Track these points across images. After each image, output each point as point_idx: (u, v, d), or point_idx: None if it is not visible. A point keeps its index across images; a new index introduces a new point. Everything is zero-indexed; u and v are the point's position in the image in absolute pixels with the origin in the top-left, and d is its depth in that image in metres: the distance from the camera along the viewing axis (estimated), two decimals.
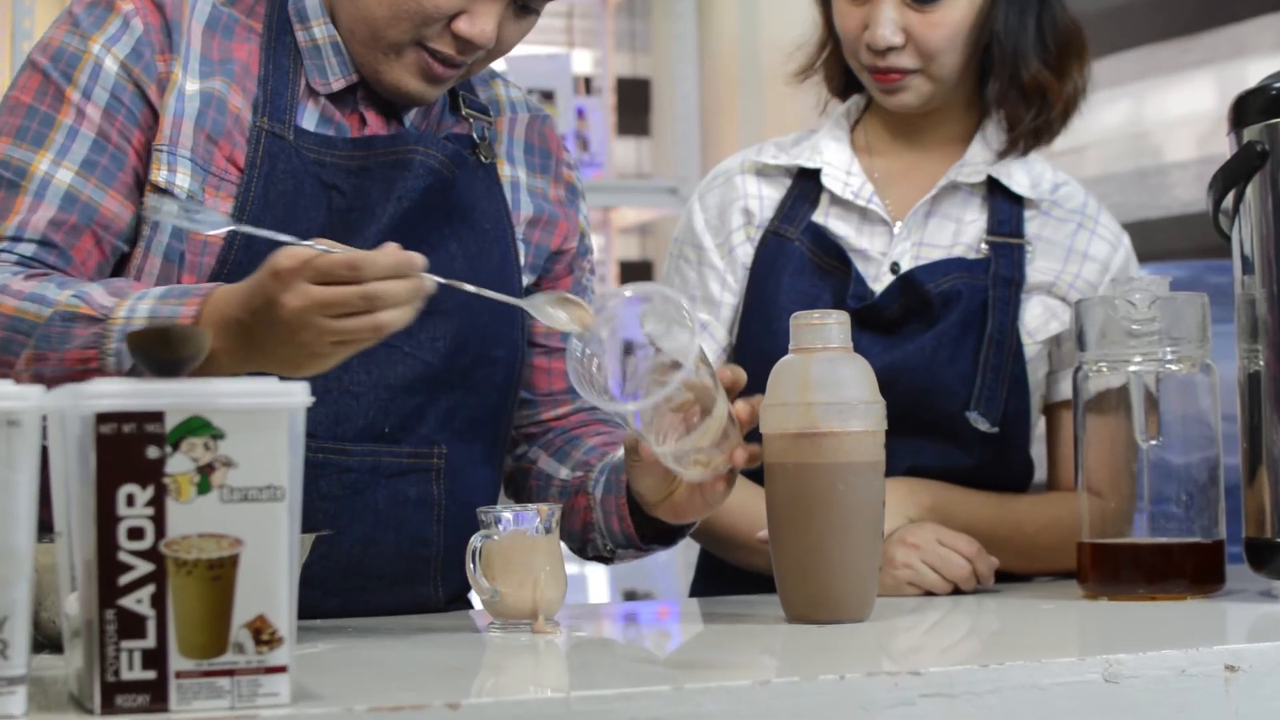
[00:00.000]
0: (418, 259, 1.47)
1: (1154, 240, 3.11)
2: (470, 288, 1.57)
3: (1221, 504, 1.85)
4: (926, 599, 1.88)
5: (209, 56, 1.79)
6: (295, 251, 1.47)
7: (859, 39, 2.10)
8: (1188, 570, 1.82)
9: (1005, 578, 2.01)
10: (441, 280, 1.51)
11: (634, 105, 4.66)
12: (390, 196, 1.80)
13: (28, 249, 1.71)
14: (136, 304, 1.59)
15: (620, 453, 1.81)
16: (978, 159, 2.16)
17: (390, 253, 1.46)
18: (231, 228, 1.54)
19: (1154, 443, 1.84)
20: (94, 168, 1.74)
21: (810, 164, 2.18)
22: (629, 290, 1.56)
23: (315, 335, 1.47)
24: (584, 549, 1.88)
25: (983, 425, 2.04)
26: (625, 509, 1.79)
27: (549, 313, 1.59)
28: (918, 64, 2.09)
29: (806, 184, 2.18)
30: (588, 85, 4.60)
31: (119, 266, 1.77)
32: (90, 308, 1.60)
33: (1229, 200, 1.85)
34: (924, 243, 2.14)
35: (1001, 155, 2.15)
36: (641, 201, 4.45)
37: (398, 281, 1.46)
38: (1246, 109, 1.84)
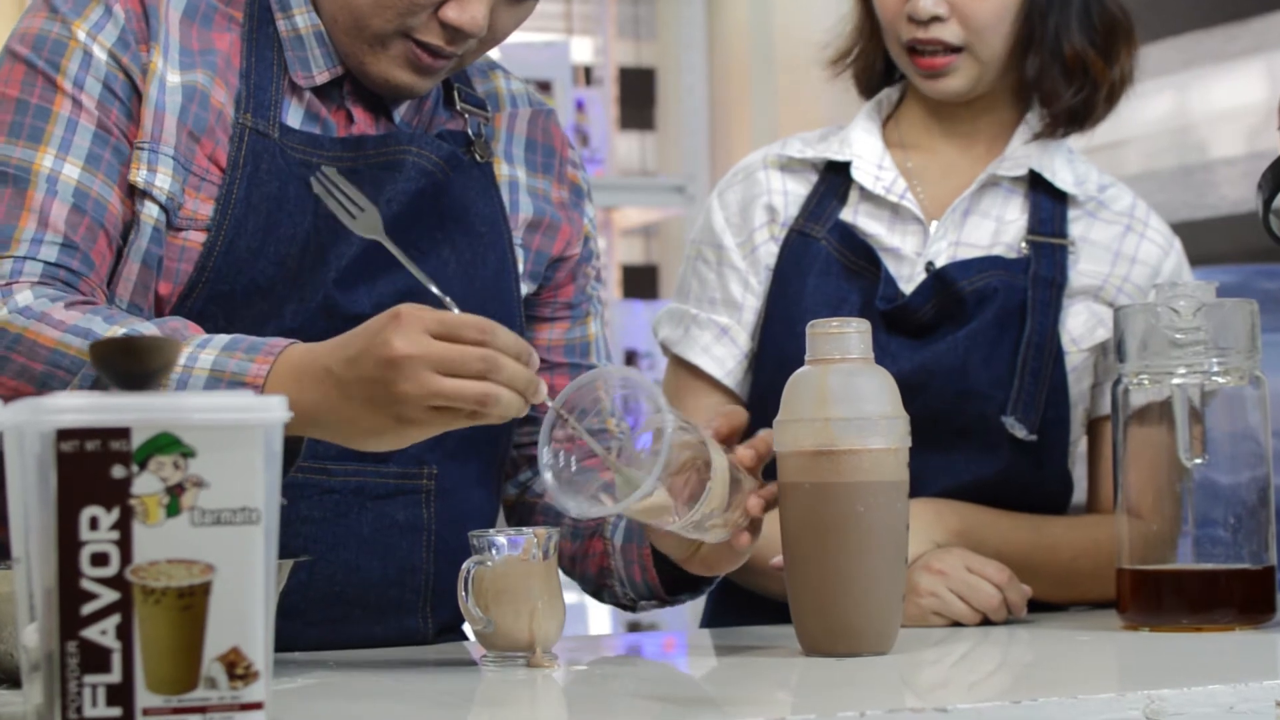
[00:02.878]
0: (534, 353, 1.49)
1: (1199, 243, 3.11)
2: (579, 432, 1.52)
3: (1272, 527, 1.84)
4: (953, 630, 1.88)
5: (189, 47, 1.79)
6: (419, 306, 1.48)
7: (899, 14, 2.11)
8: (1235, 599, 1.81)
9: (1039, 607, 2.01)
10: (549, 403, 1.51)
11: (638, 97, 4.66)
12: (380, 198, 1.80)
13: (50, 252, 1.69)
14: (198, 352, 1.56)
15: None
16: (1020, 153, 2.17)
17: (513, 334, 1.48)
18: (381, 240, 1.54)
19: (1199, 461, 1.84)
20: (99, 162, 1.73)
21: (839, 156, 2.18)
22: (576, 385, 1.54)
23: (417, 390, 1.46)
24: (599, 594, 1.89)
25: (1019, 431, 2.04)
26: (649, 559, 1.79)
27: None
28: (962, 39, 2.09)
29: (835, 179, 2.18)
30: (588, 75, 4.61)
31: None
32: None
33: None
34: (961, 242, 2.14)
35: (1039, 136, 2.15)
36: (646, 201, 4.45)
37: (520, 365, 1.47)
38: None
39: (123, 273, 1.74)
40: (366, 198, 1.64)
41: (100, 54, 1.75)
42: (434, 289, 1.56)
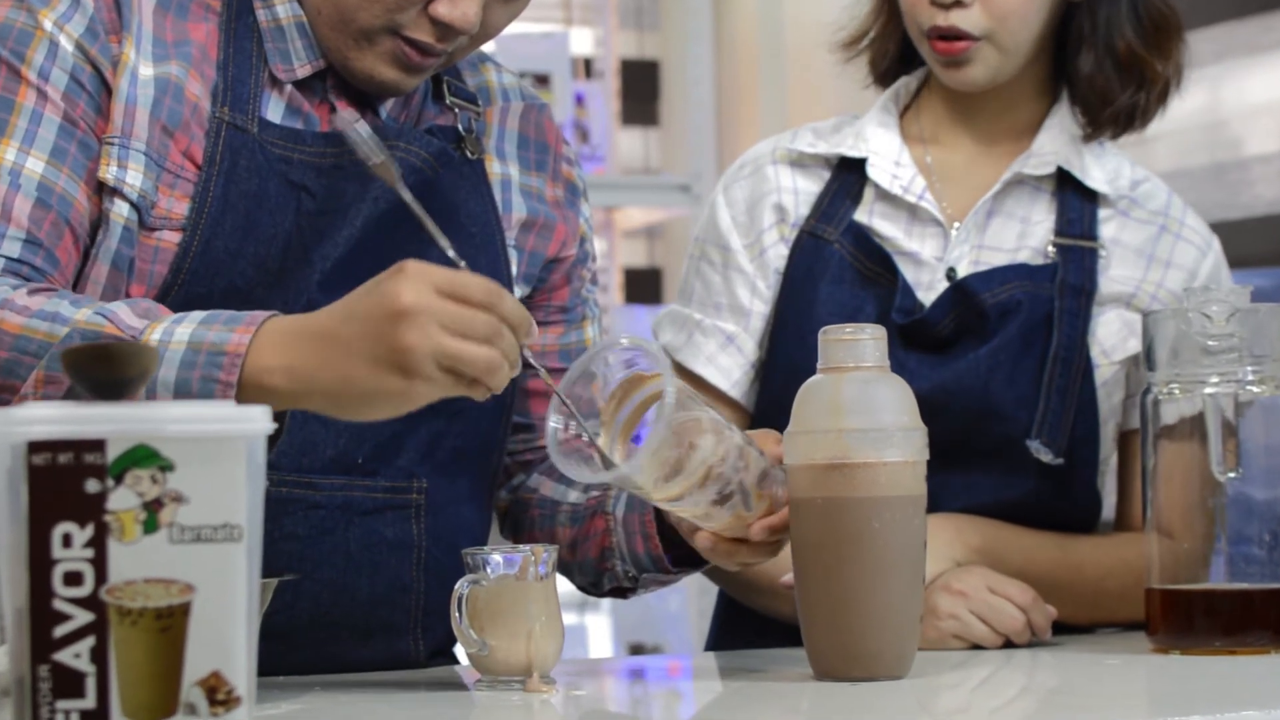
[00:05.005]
0: (535, 324, 1.52)
1: (1233, 244, 3.11)
2: (560, 399, 1.58)
3: None
4: (974, 653, 1.88)
5: (162, 38, 1.79)
6: (427, 263, 1.49)
7: None
8: (1271, 620, 1.81)
9: (1064, 629, 2.00)
10: (533, 364, 1.56)
11: (641, 91, 4.67)
12: (365, 198, 1.80)
13: (13, 248, 1.69)
14: (173, 327, 1.56)
15: None
16: (1047, 149, 2.15)
17: (517, 301, 1.50)
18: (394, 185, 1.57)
19: (1233, 475, 1.84)
20: (64, 156, 1.73)
21: (854, 153, 2.17)
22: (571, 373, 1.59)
23: (424, 343, 1.46)
24: (600, 581, 1.88)
25: (1045, 456, 2.03)
26: (652, 526, 1.79)
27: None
28: (986, 27, 2.07)
29: (849, 176, 2.17)
30: (588, 68, 4.61)
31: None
32: (116, 327, 1.57)
33: None
34: (984, 246, 2.13)
35: (1088, 139, 2.14)
36: (649, 200, 4.45)
37: (513, 339, 1.50)
38: None
39: (90, 274, 1.74)
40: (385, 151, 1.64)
41: (67, 45, 1.76)
42: (449, 250, 1.56)
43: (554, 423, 1.57)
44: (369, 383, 1.49)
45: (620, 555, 1.84)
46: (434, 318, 1.46)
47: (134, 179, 1.74)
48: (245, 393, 1.51)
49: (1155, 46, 2.13)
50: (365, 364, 1.49)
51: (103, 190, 1.74)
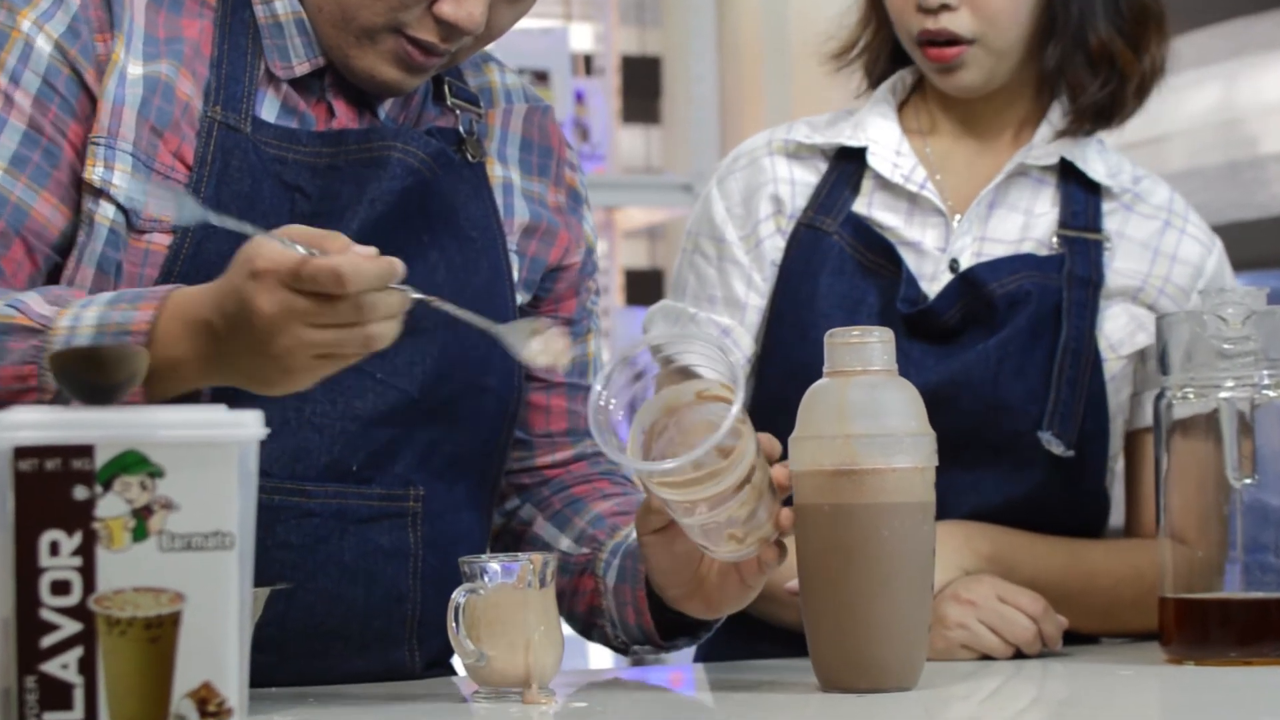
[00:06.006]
0: (399, 265, 1.51)
1: (1249, 245, 3.11)
2: (450, 307, 1.58)
3: None
4: (983, 664, 1.88)
5: (154, 35, 1.79)
6: (273, 252, 1.49)
7: (908, 2, 2.10)
8: None
9: (1075, 639, 2.01)
10: (417, 295, 1.54)
11: (642, 88, 4.67)
12: (362, 199, 1.80)
13: None
14: (82, 311, 1.60)
15: (633, 531, 1.82)
16: (1049, 141, 2.16)
17: (374, 258, 1.50)
18: (200, 219, 1.56)
19: (1248, 481, 1.84)
20: (24, 164, 1.74)
21: (853, 142, 2.17)
22: (656, 338, 1.59)
23: (294, 345, 1.50)
24: (589, 633, 1.89)
25: (1056, 448, 2.04)
26: (644, 603, 1.79)
27: (527, 346, 1.61)
28: (975, 30, 2.08)
29: (847, 166, 2.17)
30: (588, 65, 4.61)
31: (50, 280, 1.77)
32: (27, 317, 1.60)
33: None
34: (987, 237, 2.13)
35: (1063, 133, 2.15)
36: (650, 200, 4.45)
37: (387, 292, 1.50)
38: None
39: (75, 278, 1.75)
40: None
41: (45, 46, 1.76)
42: (296, 247, 1.52)
43: (597, 391, 1.57)
44: (260, 377, 1.54)
45: (610, 620, 1.84)
46: (295, 318, 1.49)
47: (121, 180, 1.75)
48: (155, 372, 1.53)
49: (1132, 39, 2.13)
50: (251, 364, 1.54)
51: (89, 192, 1.74)
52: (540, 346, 1.60)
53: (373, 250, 1.51)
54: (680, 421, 1.60)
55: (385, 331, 1.52)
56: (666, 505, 1.59)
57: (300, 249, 1.49)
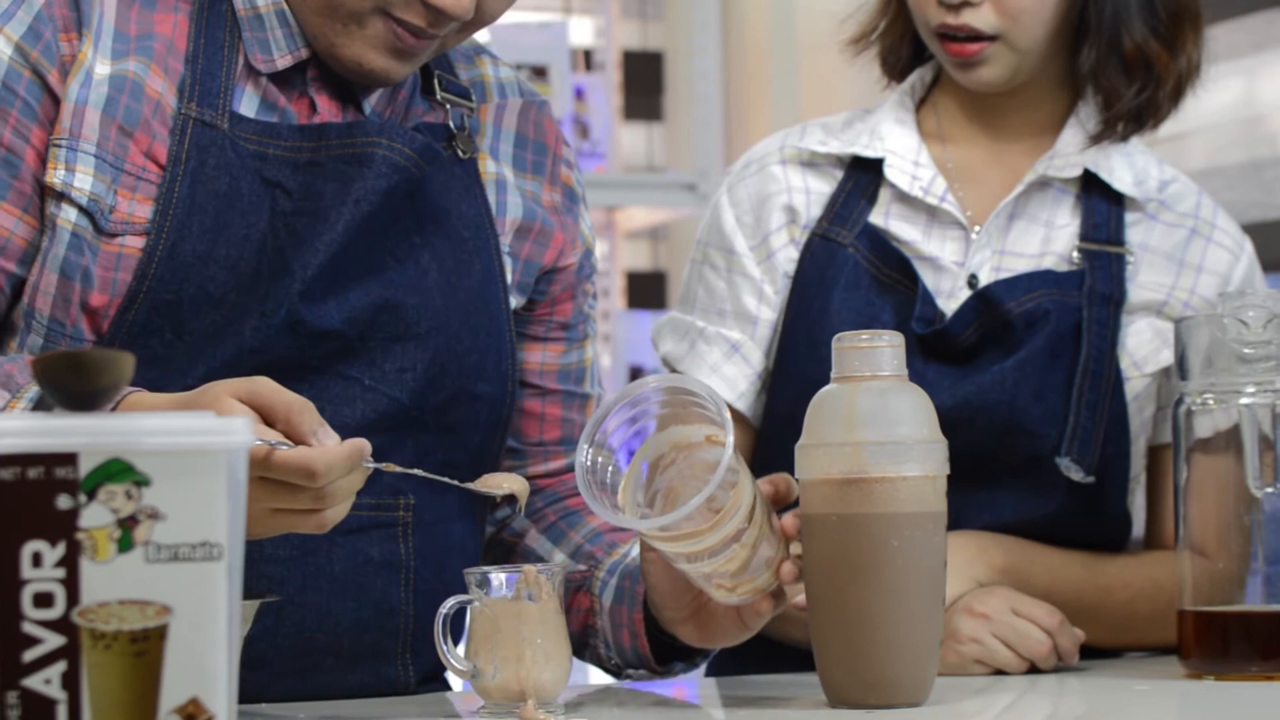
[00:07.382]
0: (365, 446, 1.51)
1: (1270, 246, 3.11)
2: (419, 473, 1.63)
3: None
4: (997, 679, 1.88)
5: (125, 32, 1.79)
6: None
7: None
8: None
9: (1092, 653, 2.01)
10: (391, 468, 1.61)
11: (644, 84, 4.67)
12: (347, 198, 1.80)
13: None
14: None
15: (632, 549, 1.82)
16: (1071, 148, 2.15)
17: (342, 449, 1.49)
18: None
19: (1270, 490, 1.84)
20: None
21: (869, 153, 2.16)
22: (649, 383, 1.59)
23: (253, 526, 1.49)
24: (580, 652, 1.89)
25: (1075, 474, 2.03)
26: (640, 625, 1.79)
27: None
28: (997, 27, 2.07)
29: (862, 176, 2.16)
30: (588, 60, 4.62)
31: (15, 290, 1.76)
32: None
33: None
34: (1006, 251, 2.13)
35: (1096, 139, 2.13)
36: (652, 200, 4.45)
37: (349, 477, 1.51)
38: None
39: (40, 284, 1.74)
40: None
41: (4, 49, 1.76)
42: (270, 439, 1.52)
43: (583, 456, 1.57)
44: None
45: (605, 641, 1.85)
46: (253, 500, 1.47)
47: (83, 182, 1.74)
48: None
49: (1169, 39, 2.11)
50: None
51: (48, 195, 1.74)
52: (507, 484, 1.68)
53: (335, 438, 1.50)
54: (690, 456, 1.61)
55: (341, 514, 1.53)
56: (667, 555, 1.61)
57: (272, 441, 1.48)
